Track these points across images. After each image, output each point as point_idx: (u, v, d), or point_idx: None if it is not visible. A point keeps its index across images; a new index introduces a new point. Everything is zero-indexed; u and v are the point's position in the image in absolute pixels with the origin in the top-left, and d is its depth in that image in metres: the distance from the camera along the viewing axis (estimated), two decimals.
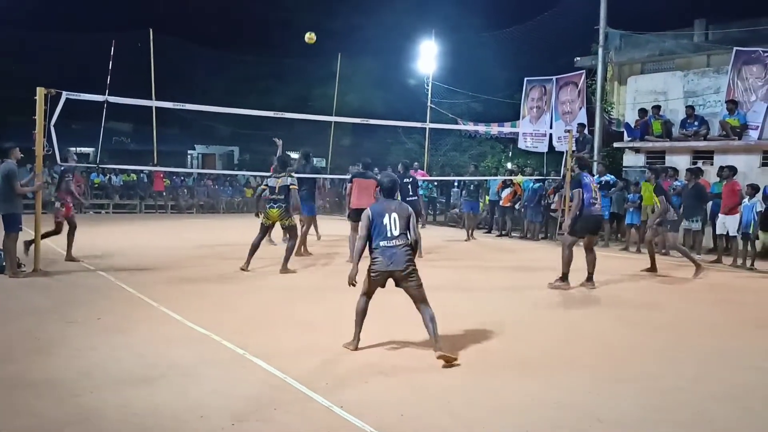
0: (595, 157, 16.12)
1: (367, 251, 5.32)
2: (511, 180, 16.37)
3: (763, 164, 13.46)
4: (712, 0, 22.18)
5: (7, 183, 8.40)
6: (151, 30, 21.97)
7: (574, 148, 15.24)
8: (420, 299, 5.18)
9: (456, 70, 23.69)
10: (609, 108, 17.96)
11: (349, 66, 25.60)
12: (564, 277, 8.61)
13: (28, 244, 9.34)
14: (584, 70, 18.05)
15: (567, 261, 8.62)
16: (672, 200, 10.32)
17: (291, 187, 9.45)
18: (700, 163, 14.03)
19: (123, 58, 18.01)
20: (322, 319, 6.60)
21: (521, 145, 20.03)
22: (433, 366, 4.92)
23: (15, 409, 4.00)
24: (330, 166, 25.09)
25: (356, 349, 5.33)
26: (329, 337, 5.71)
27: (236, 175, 26.58)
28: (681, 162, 14.46)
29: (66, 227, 10.07)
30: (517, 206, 16.17)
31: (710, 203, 12.47)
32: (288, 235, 9.69)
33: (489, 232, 17.14)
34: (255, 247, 9.54)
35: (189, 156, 35.35)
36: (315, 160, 20.59)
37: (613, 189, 14.23)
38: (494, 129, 20.38)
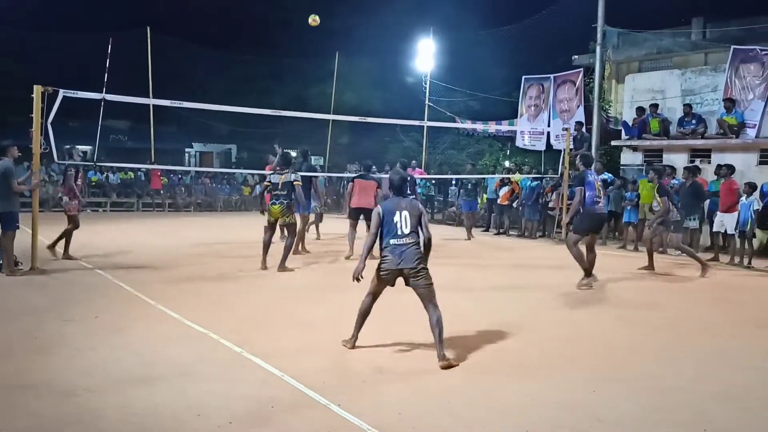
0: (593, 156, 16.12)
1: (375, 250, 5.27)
2: (508, 178, 16.37)
3: (761, 162, 13.48)
4: None
5: (4, 181, 8.38)
6: (148, 28, 21.93)
7: (571, 147, 15.28)
8: (429, 299, 5.10)
9: (454, 69, 23.66)
10: (607, 106, 17.97)
11: (347, 64, 25.55)
12: (587, 273, 8.56)
13: (54, 246, 9.92)
14: (582, 69, 18.04)
15: (579, 258, 8.59)
16: (675, 201, 10.30)
17: (295, 183, 9.53)
18: (697, 162, 14.06)
19: (121, 56, 17.97)
20: (320, 318, 6.59)
21: (519, 143, 20.03)
22: (433, 366, 4.91)
23: (14, 409, 3.99)
24: (328, 165, 25.07)
25: (353, 347, 5.31)
26: (328, 336, 5.69)
27: (234, 173, 26.55)
28: (678, 160, 14.47)
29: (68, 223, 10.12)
30: (514, 204, 16.18)
31: (707, 201, 12.50)
32: (287, 233, 9.70)
33: (487, 230, 17.14)
34: (267, 246, 9.58)
35: (186, 154, 35.25)
36: (313, 158, 20.58)
37: (610, 187, 14.22)
38: (492, 127, 20.38)
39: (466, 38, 24.70)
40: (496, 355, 5.35)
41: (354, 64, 27.04)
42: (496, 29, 22.22)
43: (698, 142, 14.37)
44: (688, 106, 14.74)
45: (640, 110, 15.43)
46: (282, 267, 9.43)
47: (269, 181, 9.75)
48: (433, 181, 20.37)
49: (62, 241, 10.11)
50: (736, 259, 11.37)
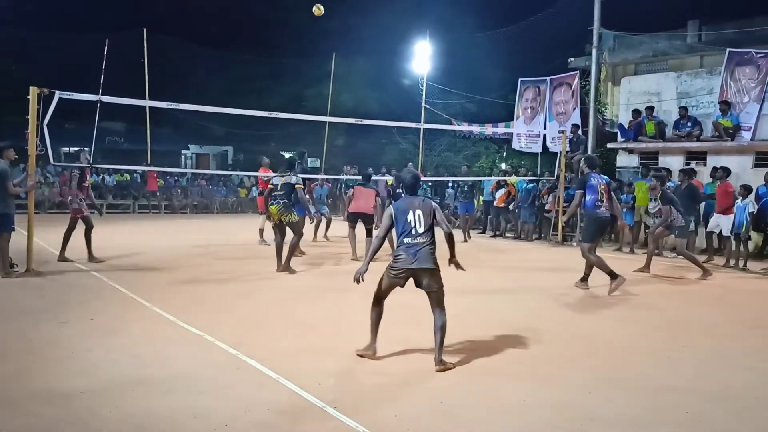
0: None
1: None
2: (505, 180, 16.37)
3: (756, 165, 13.50)
4: (706, 1, 22.28)
5: (0, 183, 8.34)
6: (144, 30, 21.90)
7: (568, 149, 15.29)
8: (438, 302, 5.04)
9: (450, 71, 23.68)
10: (602, 109, 17.99)
11: (344, 66, 25.56)
12: (612, 275, 8.33)
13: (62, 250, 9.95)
14: (578, 71, 18.06)
15: (600, 264, 8.42)
16: (679, 207, 10.17)
17: (296, 186, 9.63)
18: (693, 164, 14.07)
19: (118, 58, 17.96)
20: (317, 319, 6.58)
21: (515, 145, 20.03)
22: (429, 367, 4.91)
23: (10, 410, 3.97)
24: (324, 167, 25.04)
25: (375, 354, 5.12)
26: (324, 337, 5.68)
27: (230, 175, 26.50)
28: (674, 163, 14.50)
29: (68, 225, 10.15)
30: (511, 207, 16.19)
31: (703, 204, 12.52)
32: (292, 232, 9.70)
33: (483, 232, 17.15)
34: (280, 249, 9.61)
35: (183, 156, 35.19)
36: (309, 160, 20.54)
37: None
38: (488, 129, 20.37)
39: (463, 40, 24.75)
40: (493, 357, 5.34)
41: (351, 65, 27.07)
42: (493, 31, 22.28)
43: (694, 145, 14.40)
44: (683, 109, 14.77)
45: (636, 113, 15.46)
46: (287, 267, 9.45)
47: (272, 184, 9.87)
48: (430, 183, 20.36)
49: (57, 243, 10.07)
50: (732, 262, 11.40)
